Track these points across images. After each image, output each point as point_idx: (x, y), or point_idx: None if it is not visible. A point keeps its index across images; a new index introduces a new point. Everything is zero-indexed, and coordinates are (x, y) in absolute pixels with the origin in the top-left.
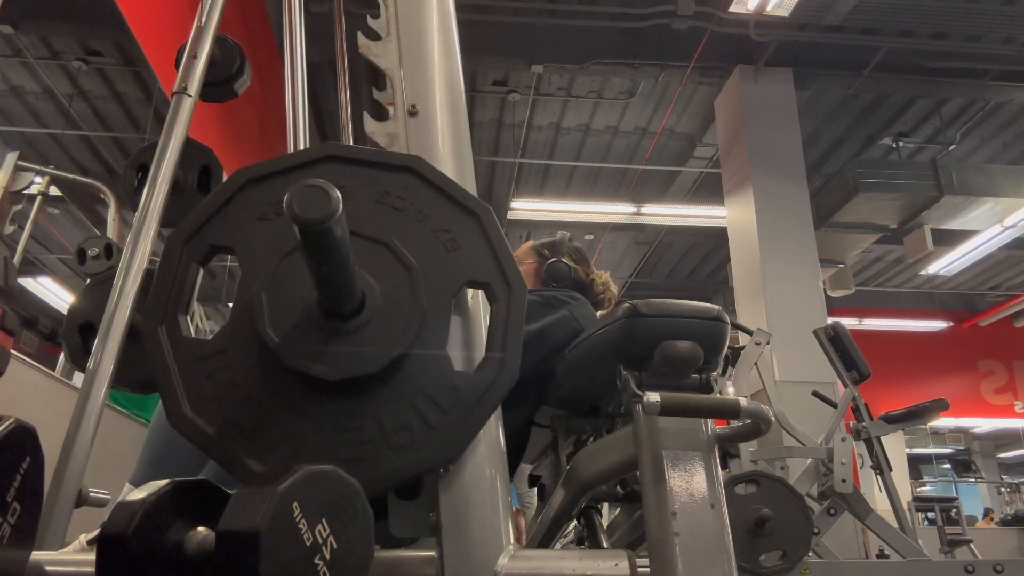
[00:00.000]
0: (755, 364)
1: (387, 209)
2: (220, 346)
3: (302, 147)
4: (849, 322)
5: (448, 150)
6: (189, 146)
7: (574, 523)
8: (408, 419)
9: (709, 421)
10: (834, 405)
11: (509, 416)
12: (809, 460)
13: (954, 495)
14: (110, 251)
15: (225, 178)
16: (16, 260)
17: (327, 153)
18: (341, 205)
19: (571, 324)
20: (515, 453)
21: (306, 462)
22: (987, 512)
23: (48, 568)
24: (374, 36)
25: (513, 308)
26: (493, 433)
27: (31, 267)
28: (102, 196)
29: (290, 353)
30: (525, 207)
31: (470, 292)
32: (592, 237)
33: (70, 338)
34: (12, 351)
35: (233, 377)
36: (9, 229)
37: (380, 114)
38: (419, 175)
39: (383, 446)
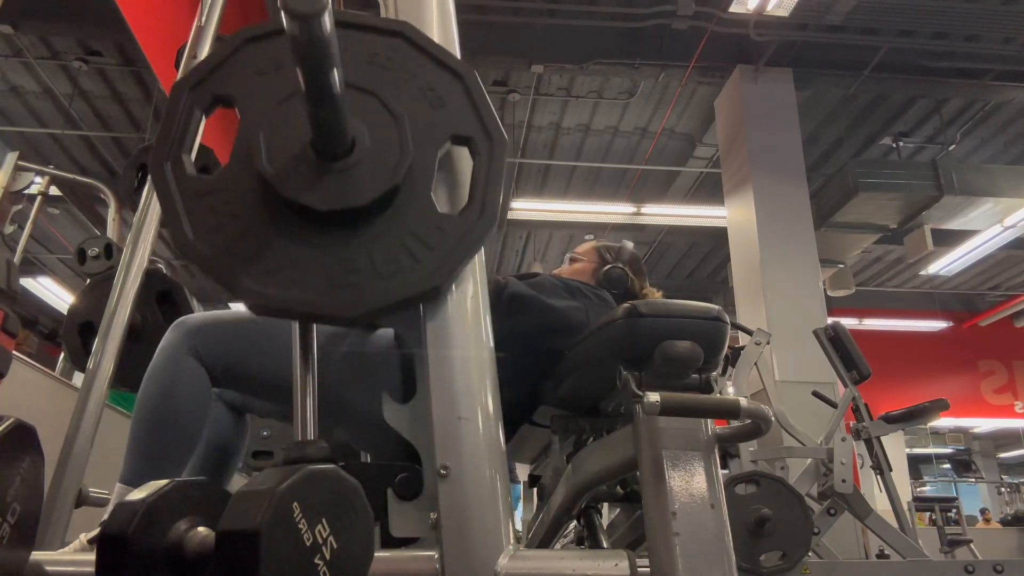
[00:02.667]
0: (755, 364)
1: (376, 68)
2: (221, 183)
3: None
4: (849, 322)
5: None
6: None
7: (574, 523)
8: (396, 253)
9: (709, 421)
10: (834, 405)
11: (505, 392)
12: (809, 460)
13: (954, 495)
14: (110, 251)
15: None
16: (16, 260)
17: None
18: (331, 2)
19: (580, 316)
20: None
21: (301, 285)
22: (983, 512)
23: (48, 568)
24: None
25: (494, 160)
26: (493, 433)
27: (31, 267)
28: (102, 196)
29: (284, 184)
30: (525, 207)
31: (457, 154)
32: (592, 237)
33: (70, 338)
34: (13, 352)
35: (233, 210)
36: (9, 229)
37: None
38: (408, 39)
39: (373, 275)
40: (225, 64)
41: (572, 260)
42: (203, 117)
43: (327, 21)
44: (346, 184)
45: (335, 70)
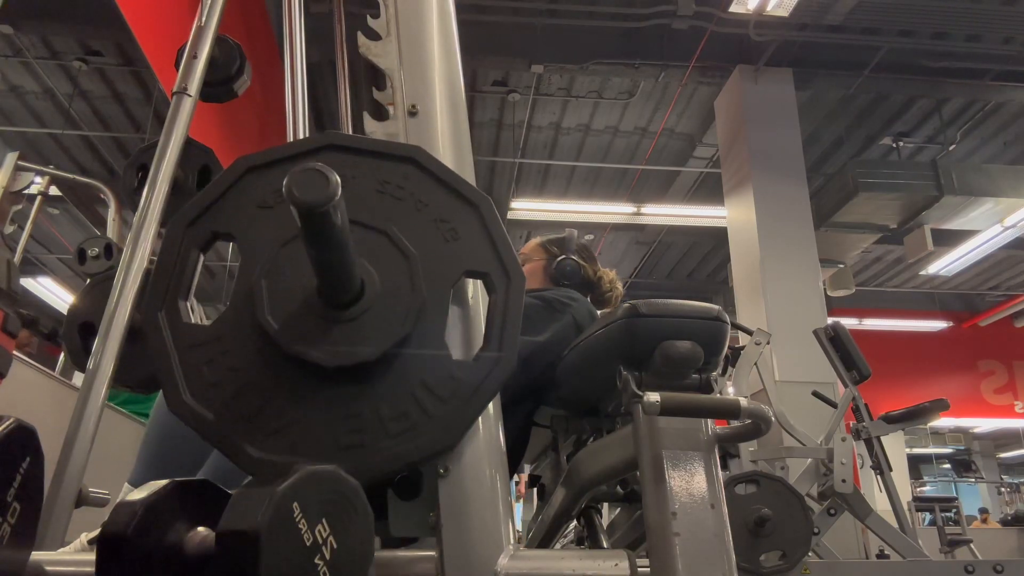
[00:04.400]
0: (755, 364)
1: (387, 198)
2: (219, 332)
3: None
4: (849, 322)
5: (448, 150)
6: (189, 146)
7: (574, 523)
8: (406, 407)
9: (709, 421)
10: (834, 405)
11: (509, 417)
12: (809, 460)
13: (954, 495)
14: (110, 251)
15: None
16: (16, 260)
17: (328, 142)
18: (340, 189)
19: (570, 332)
20: (515, 454)
21: (305, 449)
22: (982, 512)
23: (48, 568)
24: (374, 36)
25: (511, 298)
26: (493, 433)
27: (31, 267)
28: (102, 196)
29: (289, 339)
30: (525, 207)
31: (470, 284)
32: (592, 237)
33: (70, 338)
34: (14, 352)
35: (232, 363)
36: (9, 229)
37: (380, 114)
38: (419, 165)
39: (381, 434)
40: (224, 197)
41: (521, 262)
42: (200, 257)
43: (338, 207)
44: (354, 335)
45: (341, 221)
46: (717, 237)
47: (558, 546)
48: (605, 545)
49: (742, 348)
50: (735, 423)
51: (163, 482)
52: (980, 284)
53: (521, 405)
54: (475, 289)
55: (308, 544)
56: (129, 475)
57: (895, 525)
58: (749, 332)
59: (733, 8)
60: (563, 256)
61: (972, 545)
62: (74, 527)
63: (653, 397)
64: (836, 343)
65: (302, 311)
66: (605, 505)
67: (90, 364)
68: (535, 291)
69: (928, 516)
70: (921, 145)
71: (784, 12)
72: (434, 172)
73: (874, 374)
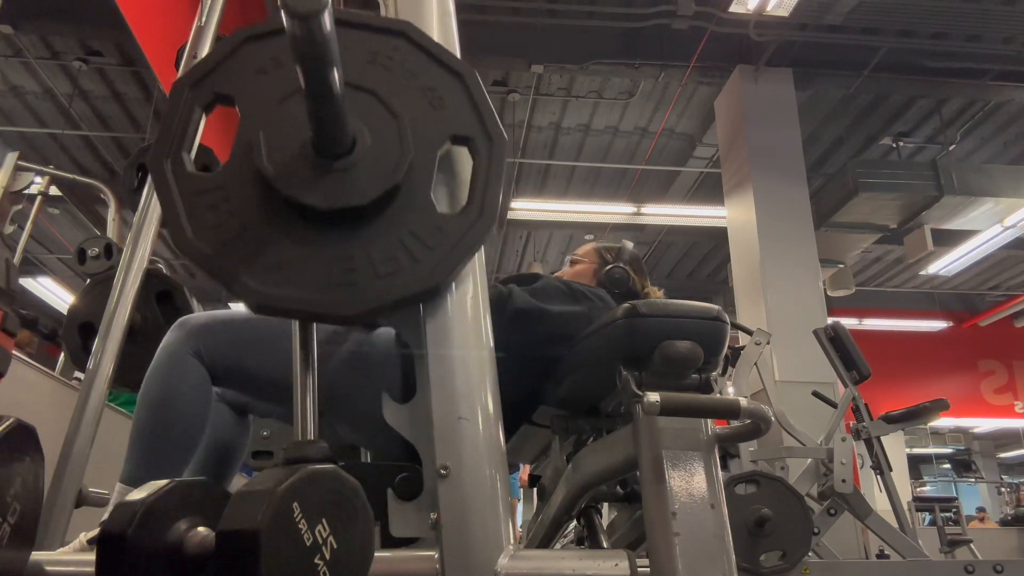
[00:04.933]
0: (755, 364)
1: (377, 68)
2: (221, 181)
3: None
4: (849, 322)
5: None
6: None
7: (574, 523)
8: (395, 252)
9: (709, 421)
10: (834, 405)
11: (505, 394)
12: (809, 460)
13: (954, 495)
14: (110, 251)
15: None
16: (16, 260)
17: None
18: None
19: (583, 322)
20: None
21: (299, 283)
22: (979, 511)
23: (48, 568)
24: None
25: (494, 160)
26: (493, 433)
27: (31, 267)
28: (102, 196)
29: (284, 183)
30: (525, 207)
31: (456, 156)
32: (592, 237)
33: (70, 338)
34: (14, 352)
35: (233, 208)
36: (9, 229)
37: None
38: (408, 39)
39: (371, 274)
40: (225, 63)
41: (572, 262)
42: (203, 115)
43: (327, 20)
44: (346, 183)
45: (335, 69)
46: (717, 237)
47: (558, 546)
48: (605, 545)
49: (742, 348)
50: (735, 423)
51: (163, 482)
52: (980, 284)
53: (514, 383)
54: (461, 160)
55: (308, 544)
56: (120, 475)
57: (895, 525)
58: (749, 332)
59: (733, 8)
60: (614, 264)
61: (972, 545)
62: (74, 527)
63: (653, 397)
64: (836, 343)
65: (298, 159)
66: (605, 505)
67: (90, 364)
68: (567, 282)
69: (928, 516)
70: (921, 145)
71: (784, 12)
72: (422, 45)
73: (874, 374)
